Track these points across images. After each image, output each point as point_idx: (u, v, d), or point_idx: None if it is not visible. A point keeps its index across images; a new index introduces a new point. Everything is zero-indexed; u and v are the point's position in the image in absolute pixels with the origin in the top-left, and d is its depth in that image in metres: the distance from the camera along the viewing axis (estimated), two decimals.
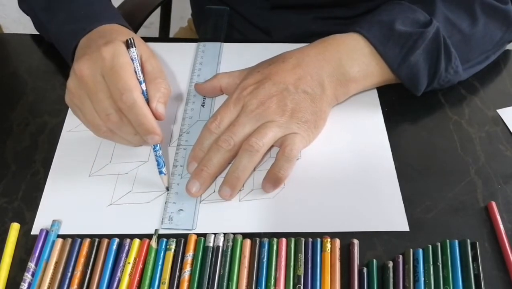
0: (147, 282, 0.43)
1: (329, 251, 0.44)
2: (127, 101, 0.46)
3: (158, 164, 0.49)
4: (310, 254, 0.44)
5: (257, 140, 0.48)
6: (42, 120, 0.56)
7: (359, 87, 0.55)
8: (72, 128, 0.55)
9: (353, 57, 0.54)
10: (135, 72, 0.48)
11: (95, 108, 0.48)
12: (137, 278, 0.43)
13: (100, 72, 0.47)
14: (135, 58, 0.49)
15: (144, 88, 0.49)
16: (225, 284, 0.43)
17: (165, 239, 0.45)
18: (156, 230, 0.46)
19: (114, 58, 0.47)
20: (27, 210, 0.48)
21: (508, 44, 0.61)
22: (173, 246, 0.45)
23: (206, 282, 0.43)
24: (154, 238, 0.45)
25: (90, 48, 0.50)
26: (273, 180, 0.49)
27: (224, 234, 0.45)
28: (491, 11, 0.56)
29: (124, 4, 0.88)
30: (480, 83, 0.60)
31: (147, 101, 0.49)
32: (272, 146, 0.51)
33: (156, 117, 0.49)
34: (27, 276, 0.43)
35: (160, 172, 0.49)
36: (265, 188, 0.49)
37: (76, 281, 0.43)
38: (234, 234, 0.46)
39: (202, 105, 0.57)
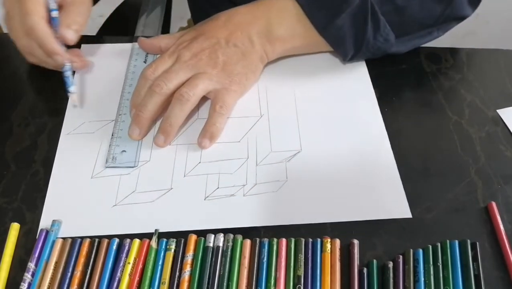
0: (147, 282, 0.43)
1: (329, 252, 0.44)
2: (27, 23, 0.52)
3: (66, 84, 0.54)
4: (310, 255, 0.44)
5: (187, 90, 0.52)
6: (42, 120, 0.56)
7: (286, 46, 0.57)
8: (71, 131, 0.55)
9: (281, 16, 0.56)
10: (48, 1, 0.53)
11: (12, 34, 0.55)
12: (137, 278, 0.43)
13: (16, 1, 0.53)
14: None
15: (55, 16, 0.54)
16: (225, 284, 0.43)
17: (165, 239, 0.45)
18: (156, 230, 0.46)
19: None
20: (27, 210, 0.48)
21: (456, 22, 0.61)
22: (173, 246, 0.45)
23: (206, 282, 0.43)
24: (154, 238, 0.45)
25: None
26: (208, 134, 0.52)
27: (224, 234, 0.45)
28: None
29: (123, 5, 0.88)
30: (480, 83, 0.60)
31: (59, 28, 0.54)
32: (205, 97, 0.55)
33: (65, 41, 0.54)
34: (27, 276, 0.43)
35: (68, 92, 0.54)
36: (202, 143, 0.52)
37: (76, 281, 0.43)
38: (234, 234, 0.46)
39: (144, 61, 0.61)
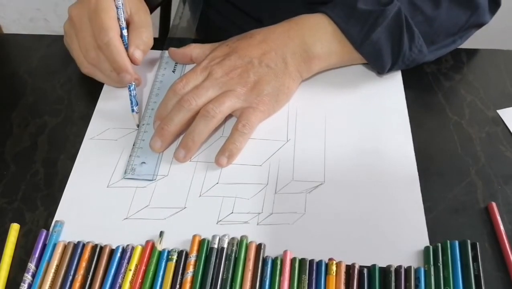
0: None
1: (334, 274, 0.43)
2: (103, 39, 0.53)
3: (132, 103, 0.55)
4: (314, 276, 0.43)
5: (214, 107, 0.51)
6: (42, 120, 0.56)
7: (322, 64, 0.57)
8: (94, 136, 0.54)
9: (316, 35, 0.56)
10: (118, 18, 0.54)
11: (79, 45, 0.55)
12: (137, 286, 0.43)
13: (86, 14, 0.54)
14: (119, 6, 0.54)
15: (125, 34, 0.55)
16: (228, 286, 0.42)
17: (167, 250, 0.45)
18: (161, 232, 0.46)
19: (98, 3, 0.53)
20: (26, 211, 0.48)
21: (475, 29, 0.61)
22: (174, 257, 0.44)
23: (209, 284, 0.42)
24: (159, 240, 0.45)
25: None
26: (227, 153, 0.51)
27: (231, 237, 0.45)
28: None
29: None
30: (480, 83, 0.60)
31: (128, 47, 0.55)
32: (231, 115, 0.54)
33: (132, 61, 0.55)
34: (27, 276, 0.43)
35: (132, 110, 0.55)
36: (219, 161, 0.51)
37: (77, 285, 0.43)
38: (241, 236, 0.45)
39: (173, 71, 0.61)
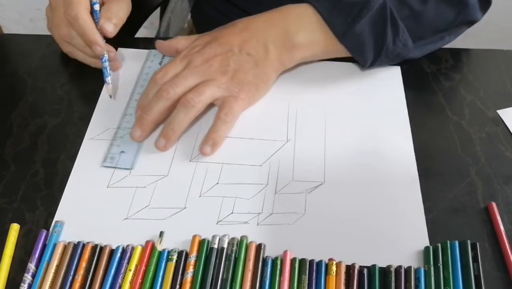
0: None
1: (334, 274, 0.43)
2: (71, 13, 0.54)
3: (104, 74, 0.56)
4: (314, 276, 0.43)
5: (194, 96, 0.51)
6: (42, 120, 0.56)
7: (305, 53, 0.57)
8: (94, 136, 0.54)
9: (299, 24, 0.55)
10: None
11: (53, 24, 0.57)
12: (137, 286, 0.43)
13: None
14: None
15: (97, 9, 0.56)
16: (228, 286, 0.42)
17: (167, 250, 0.45)
18: (161, 232, 0.46)
19: None
20: (26, 211, 0.48)
21: (466, 27, 0.61)
22: (174, 257, 0.44)
23: (209, 284, 0.42)
24: (159, 240, 0.45)
25: None
26: (210, 141, 0.52)
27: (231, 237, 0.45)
28: None
29: None
30: (480, 83, 0.59)
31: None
32: (212, 104, 0.54)
33: (103, 33, 0.56)
34: (27, 277, 0.43)
35: (105, 82, 0.56)
36: (203, 150, 0.52)
37: (77, 285, 0.43)
38: (241, 236, 0.45)
39: (159, 63, 0.61)
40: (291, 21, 0.55)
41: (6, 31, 1.50)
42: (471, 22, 0.61)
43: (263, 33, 0.55)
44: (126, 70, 0.61)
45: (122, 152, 0.52)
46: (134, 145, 0.53)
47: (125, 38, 0.61)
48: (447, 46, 0.63)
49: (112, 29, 0.56)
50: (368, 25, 0.54)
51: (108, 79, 0.56)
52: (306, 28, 0.55)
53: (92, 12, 0.56)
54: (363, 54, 0.56)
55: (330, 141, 0.53)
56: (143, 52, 0.63)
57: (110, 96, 0.56)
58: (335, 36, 0.55)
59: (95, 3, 0.56)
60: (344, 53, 0.57)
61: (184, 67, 0.54)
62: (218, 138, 0.52)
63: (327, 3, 0.55)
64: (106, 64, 0.56)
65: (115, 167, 0.51)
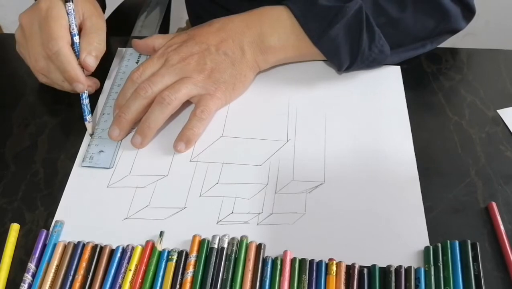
0: None
1: (334, 274, 0.43)
2: (52, 48, 0.52)
3: (84, 112, 0.54)
4: (314, 276, 0.43)
5: (169, 94, 0.51)
6: (42, 120, 0.56)
7: (278, 56, 0.57)
8: (94, 136, 0.54)
9: (274, 27, 0.56)
10: (70, 25, 0.53)
11: (29, 54, 0.54)
12: (137, 286, 0.43)
13: (37, 22, 0.53)
14: (70, 12, 0.53)
15: (77, 41, 0.54)
16: (228, 286, 0.42)
17: (167, 250, 0.45)
18: (161, 232, 0.46)
19: (48, 10, 0.52)
20: (26, 211, 0.48)
21: (449, 35, 0.61)
22: (175, 257, 0.44)
23: (209, 284, 0.42)
24: (159, 240, 0.45)
25: (35, 2, 0.55)
26: (185, 138, 0.52)
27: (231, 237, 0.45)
28: (420, 1, 0.57)
29: (123, 4, 0.88)
30: (480, 83, 0.59)
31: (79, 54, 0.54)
32: (189, 102, 0.54)
33: (84, 67, 0.54)
34: (27, 276, 0.43)
35: (85, 120, 0.54)
36: (178, 147, 0.52)
37: (77, 285, 0.43)
38: (241, 236, 0.45)
39: (136, 62, 0.61)
40: (266, 24, 0.56)
41: (6, 31, 1.51)
42: (454, 31, 0.60)
43: (239, 34, 0.55)
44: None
45: (101, 151, 0.52)
46: (113, 144, 0.53)
47: None
48: (447, 46, 0.63)
49: (94, 63, 0.54)
50: (343, 30, 0.54)
51: (89, 117, 0.54)
52: (280, 31, 0.56)
53: (72, 44, 0.53)
54: (338, 58, 0.56)
55: (330, 141, 0.53)
56: (120, 50, 0.63)
57: (91, 135, 0.54)
58: (309, 40, 0.55)
59: (74, 35, 0.53)
60: (319, 56, 0.58)
61: (161, 65, 0.54)
62: (192, 135, 0.52)
63: (303, 6, 0.55)
64: (86, 101, 0.54)
65: (95, 167, 0.51)
